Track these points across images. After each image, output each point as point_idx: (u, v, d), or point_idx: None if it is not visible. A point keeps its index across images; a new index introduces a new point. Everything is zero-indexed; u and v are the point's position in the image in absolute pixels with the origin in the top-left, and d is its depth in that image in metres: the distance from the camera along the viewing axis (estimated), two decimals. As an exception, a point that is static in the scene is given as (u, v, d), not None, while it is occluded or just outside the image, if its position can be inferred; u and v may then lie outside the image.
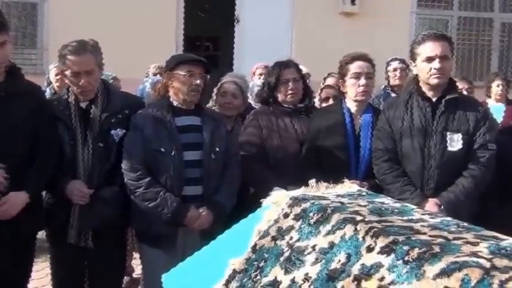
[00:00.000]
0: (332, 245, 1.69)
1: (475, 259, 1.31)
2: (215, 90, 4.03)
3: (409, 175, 3.26)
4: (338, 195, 2.07)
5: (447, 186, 3.19)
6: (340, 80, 3.58)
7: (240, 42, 8.92)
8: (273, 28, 8.65)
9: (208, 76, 3.43)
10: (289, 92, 3.70)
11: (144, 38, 8.05)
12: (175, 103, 3.35)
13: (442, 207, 3.14)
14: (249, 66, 6.59)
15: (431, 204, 3.14)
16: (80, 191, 3.23)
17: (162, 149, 3.20)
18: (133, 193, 3.22)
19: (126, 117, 3.33)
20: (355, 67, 3.47)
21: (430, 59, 3.21)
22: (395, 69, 5.66)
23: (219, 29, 10.57)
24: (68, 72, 3.27)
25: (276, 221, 2.00)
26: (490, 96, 6.44)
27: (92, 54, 3.27)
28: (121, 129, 3.31)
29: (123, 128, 3.31)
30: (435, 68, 3.19)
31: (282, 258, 1.84)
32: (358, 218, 1.72)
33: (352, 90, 3.48)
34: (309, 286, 1.64)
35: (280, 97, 3.73)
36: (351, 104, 3.53)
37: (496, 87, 6.38)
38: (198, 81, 3.28)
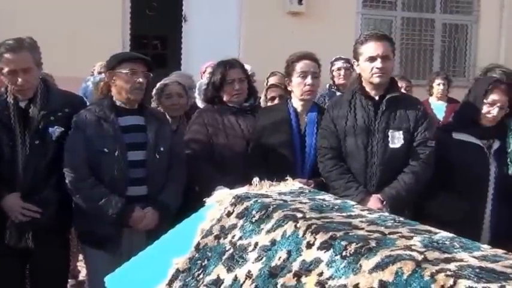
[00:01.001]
0: (273, 242, 1.72)
1: (408, 252, 1.35)
2: (155, 91, 3.99)
3: (353, 172, 3.31)
4: (281, 193, 2.09)
5: (389, 182, 3.26)
6: (287, 79, 3.61)
7: (187, 41, 8.86)
8: (220, 27, 8.63)
9: (152, 74, 3.40)
10: (235, 92, 3.71)
11: (89, 36, 7.90)
12: (118, 102, 3.31)
13: (385, 202, 3.20)
14: (198, 65, 6.56)
15: (374, 200, 3.21)
16: (17, 206, 3.17)
17: (105, 149, 3.16)
18: (76, 194, 3.16)
19: (65, 115, 3.27)
20: (301, 66, 3.50)
21: (372, 59, 3.26)
22: (339, 69, 5.74)
23: (167, 27, 10.47)
24: (4, 71, 3.19)
25: (219, 220, 2.01)
26: (432, 95, 6.62)
27: (29, 52, 3.19)
28: (59, 127, 3.25)
29: (62, 127, 3.25)
30: (377, 68, 3.25)
31: (224, 257, 1.85)
32: (299, 215, 1.74)
33: (298, 89, 3.51)
34: (251, 283, 1.66)
35: (225, 97, 3.73)
36: (296, 103, 3.56)
37: (438, 86, 6.56)
38: (141, 80, 3.25)
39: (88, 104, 3.61)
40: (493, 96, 3.34)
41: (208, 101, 3.83)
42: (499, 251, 1.39)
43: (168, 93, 3.98)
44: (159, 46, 12.88)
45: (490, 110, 3.34)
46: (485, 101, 3.34)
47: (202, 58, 6.63)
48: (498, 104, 3.33)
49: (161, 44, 12.78)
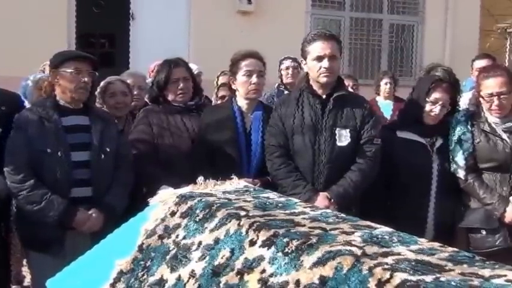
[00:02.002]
0: (217, 240, 1.71)
1: (348, 247, 1.37)
2: (98, 90, 3.92)
3: (300, 170, 3.33)
4: (225, 192, 2.09)
5: (337, 180, 3.29)
6: (231, 78, 3.60)
7: (135, 39, 8.76)
8: (169, 26, 8.56)
9: (97, 74, 3.33)
10: (179, 91, 3.67)
11: (32, 34, 7.68)
12: (62, 102, 3.24)
13: (332, 200, 3.23)
14: (146, 64, 6.46)
15: (322, 198, 3.23)
16: None
17: (48, 150, 3.08)
18: (17, 196, 3.08)
19: (2, 114, 3.19)
20: (246, 65, 3.49)
21: (319, 58, 3.28)
22: (287, 68, 5.77)
23: (115, 25, 10.31)
24: None
25: (163, 220, 1.99)
26: (379, 94, 6.74)
27: None
28: None
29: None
30: (324, 67, 3.27)
31: (168, 257, 1.83)
32: (242, 213, 1.74)
33: (243, 88, 3.50)
34: (195, 283, 1.65)
35: (170, 96, 3.70)
36: (241, 102, 3.55)
37: (384, 85, 6.68)
38: (85, 79, 3.19)
39: (27, 103, 3.52)
40: (435, 95, 3.41)
41: (153, 100, 3.79)
42: (436, 244, 1.42)
43: (112, 92, 3.92)
44: (107, 45, 12.67)
45: (433, 108, 3.41)
46: (427, 99, 3.42)
47: (150, 57, 6.54)
48: (440, 103, 3.41)
49: (109, 42, 12.58)
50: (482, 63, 5.56)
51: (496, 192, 3.31)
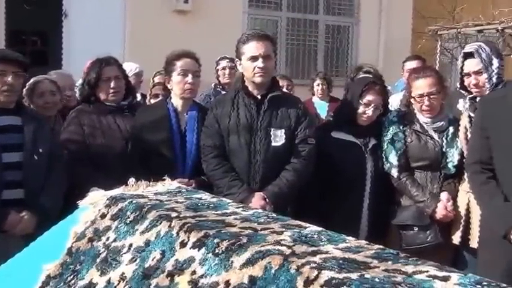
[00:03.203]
0: (148, 242, 1.69)
1: (277, 247, 1.38)
2: (25, 90, 3.80)
3: (236, 170, 3.33)
4: (157, 193, 2.06)
5: (272, 179, 3.31)
6: (166, 77, 3.57)
7: (68, 38, 8.55)
8: (104, 24, 8.38)
9: (27, 74, 3.24)
10: (111, 90, 3.61)
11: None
12: (-9, 103, 3.13)
13: (268, 200, 3.24)
14: (80, 63, 6.29)
15: (257, 198, 3.24)
16: None
17: None
18: None
19: None
20: (181, 65, 3.47)
21: (254, 58, 3.30)
22: (224, 68, 5.77)
23: (47, 23, 10.01)
24: None
25: (93, 222, 1.95)
26: (314, 94, 6.83)
27: None
28: None
29: None
30: (259, 67, 3.29)
31: (98, 260, 1.79)
32: (174, 214, 1.73)
33: (178, 88, 3.48)
34: (125, 285, 1.63)
35: (101, 95, 3.63)
36: (176, 101, 3.53)
37: (317, 86, 6.79)
38: (10, 80, 3.09)
39: None
40: (368, 97, 3.48)
41: (84, 100, 3.71)
42: (363, 242, 1.45)
43: (40, 92, 3.81)
44: (39, 43, 12.27)
45: (366, 110, 3.48)
46: (361, 101, 3.48)
47: (84, 56, 6.36)
48: (373, 105, 3.48)
49: (41, 40, 12.19)
50: (413, 64, 5.72)
51: (427, 190, 3.40)
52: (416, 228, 3.40)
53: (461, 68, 3.32)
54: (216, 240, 1.48)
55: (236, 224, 1.61)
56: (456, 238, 3.37)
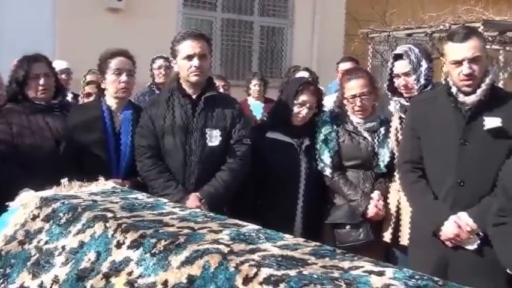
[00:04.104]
0: (82, 244, 1.65)
1: (215, 246, 1.38)
2: None
3: (171, 171, 3.30)
4: (91, 194, 2.02)
5: (208, 180, 3.29)
6: (100, 76, 3.49)
7: (-5, 36, 8.22)
8: (33, 22, 8.09)
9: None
10: (40, 87, 3.49)
11: None
12: None
13: (203, 200, 3.23)
14: (8, 61, 6.10)
15: (193, 199, 3.22)
16: None
17: None
18: None
19: None
20: (115, 63, 3.41)
21: (189, 57, 3.27)
22: (159, 67, 5.71)
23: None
24: None
25: (23, 225, 1.89)
26: (250, 95, 6.85)
27: None
28: None
29: None
30: (194, 66, 3.27)
31: (29, 263, 1.74)
32: (109, 215, 1.70)
33: (113, 87, 3.41)
34: (58, 289, 1.58)
35: (30, 93, 3.51)
36: (110, 101, 3.46)
37: (254, 86, 6.80)
38: None
39: None
40: (302, 97, 3.52)
41: (11, 98, 3.56)
42: (300, 240, 1.47)
43: None
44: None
45: (300, 110, 3.52)
46: (295, 101, 3.51)
47: (13, 54, 6.17)
48: (307, 105, 3.52)
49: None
50: (346, 66, 5.81)
51: (359, 189, 3.46)
52: (348, 227, 3.45)
53: (391, 69, 3.41)
54: (153, 240, 1.46)
55: (173, 224, 1.59)
56: (387, 236, 3.44)
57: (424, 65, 3.30)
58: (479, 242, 2.82)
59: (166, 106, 3.33)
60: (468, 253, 2.85)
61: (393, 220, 3.42)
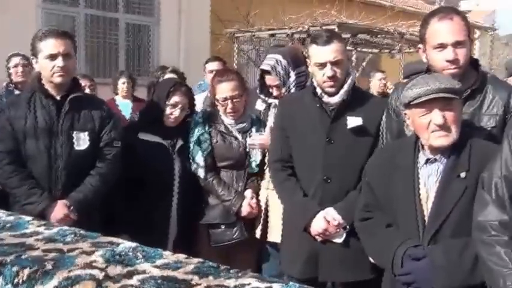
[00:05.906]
0: None
1: (88, 271, 1.26)
2: None
3: (35, 177, 3.12)
4: None
5: (76, 186, 3.15)
6: None
7: None
8: None
9: None
10: None
11: None
12: None
13: (72, 207, 3.09)
14: None
15: (60, 206, 3.08)
16: None
17: None
18: None
19: None
20: None
21: (52, 57, 3.09)
22: (16, 65, 5.35)
23: None
24: None
25: None
26: (117, 94, 6.63)
27: None
28: None
29: None
30: (58, 66, 3.09)
31: None
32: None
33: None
34: None
35: None
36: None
37: (122, 84, 6.60)
38: None
39: None
40: (174, 98, 3.47)
41: None
42: (181, 256, 1.39)
43: None
44: None
45: (173, 111, 3.47)
46: (167, 102, 3.45)
47: None
48: (180, 106, 3.48)
49: None
50: (213, 65, 5.86)
51: (232, 189, 3.48)
52: (223, 226, 3.47)
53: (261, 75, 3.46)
54: (14, 269, 1.30)
55: (39, 246, 1.43)
56: (257, 232, 3.49)
57: (293, 76, 3.38)
58: (345, 235, 2.96)
59: (27, 107, 3.15)
60: (336, 245, 2.98)
61: (262, 217, 3.48)
